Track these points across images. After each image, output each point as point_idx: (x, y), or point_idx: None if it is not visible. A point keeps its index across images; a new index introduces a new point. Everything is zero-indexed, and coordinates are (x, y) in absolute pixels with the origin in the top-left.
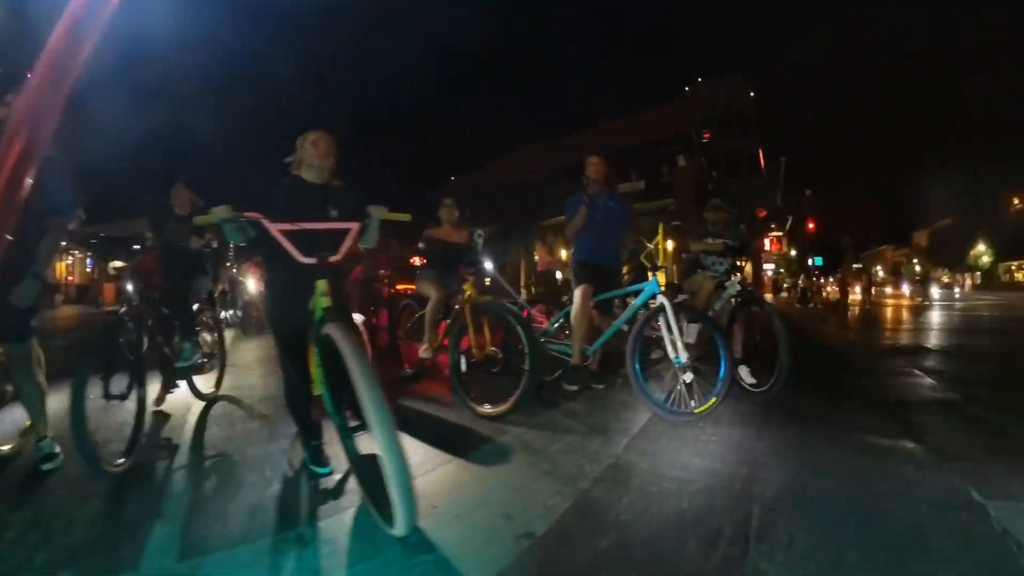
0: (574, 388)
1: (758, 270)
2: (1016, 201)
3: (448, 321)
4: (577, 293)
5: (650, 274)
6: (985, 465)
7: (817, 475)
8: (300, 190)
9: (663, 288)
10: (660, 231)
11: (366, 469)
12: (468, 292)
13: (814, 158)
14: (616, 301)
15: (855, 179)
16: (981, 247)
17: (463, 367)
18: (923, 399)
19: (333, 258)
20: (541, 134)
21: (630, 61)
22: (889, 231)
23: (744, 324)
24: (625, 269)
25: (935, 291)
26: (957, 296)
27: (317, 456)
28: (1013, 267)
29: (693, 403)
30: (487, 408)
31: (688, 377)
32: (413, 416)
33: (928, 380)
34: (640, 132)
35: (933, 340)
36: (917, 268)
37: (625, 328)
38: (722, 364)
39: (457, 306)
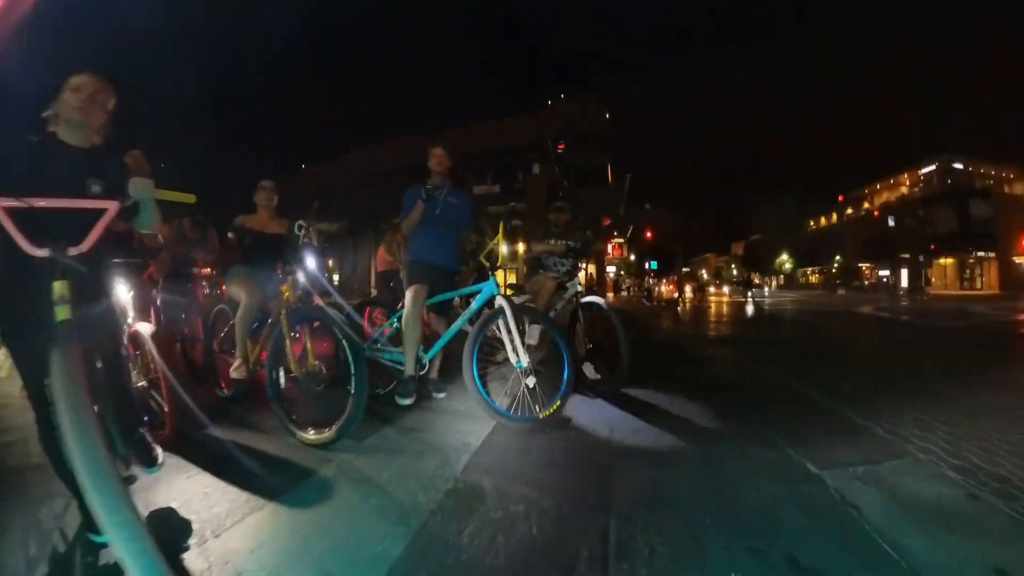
0: (408, 401)
1: (602, 272)
2: (811, 224)
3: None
4: (408, 295)
5: (497, 274)
6: (813, 438)
7: (669, 470)
8: (51, 154)
9: (503, 289)
10: (500, 229)
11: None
12: (286, 295)
13: (654, 177)
14: (459, 302)
15: (687, 197)
16: (784, 257)
17: (282, 385)
18: (752, 382)
19: (76, 249)
20: (405, 130)
21: (501, 71)
22: (712, 241)
23: (585, 323)
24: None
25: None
26: (767, 294)
27: (92, 520)
28: (808, 271)
29: (538, 408)
30: (310, 434)
31: (531, 381)
32: (223, 450)
33: (754, 365)
34: (501, 137)
35: (755, 330)
36: (735, 272)
37: (468, 329)
38: (565, 365)
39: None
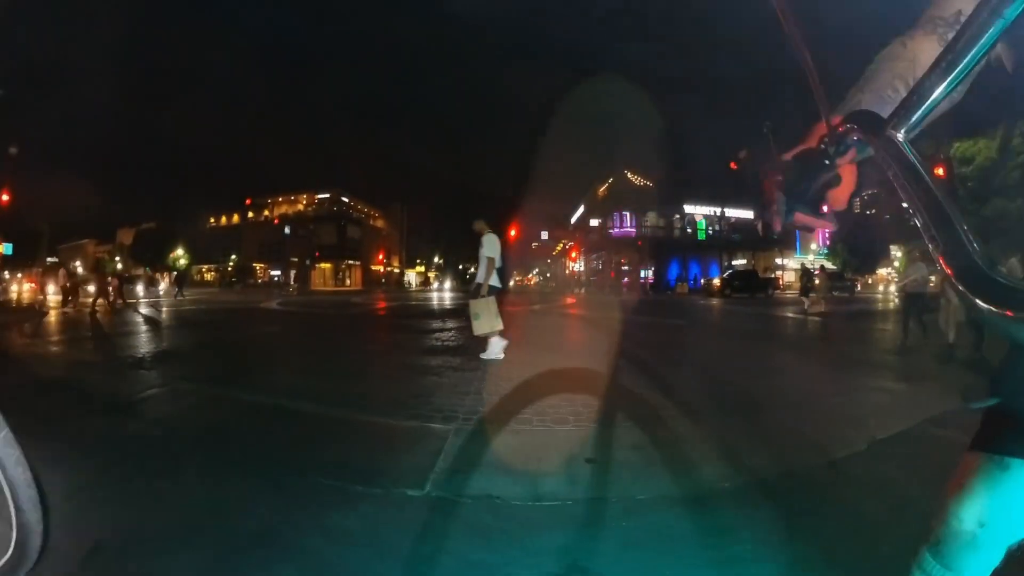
0: None
1: None
2: (212, 220)
3: None
4: None
5: None
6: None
7: None
8: None
9: None
10: None
11: None
12: None
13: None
14: None
15: (65, 161)
16: (180, 251)
17: None
18: (195, 413)
19: None
20: None
21: None
22: (93, 225)
23: None
24: None
25: (140, 289)
26: (162, 292)
27: None
28: (204, 269)
29: None
30: None
31: None
32: None
33: (205, 403)
34: None
35: (168, 342)
36: (119, 265)
37: None
38: None
39: None
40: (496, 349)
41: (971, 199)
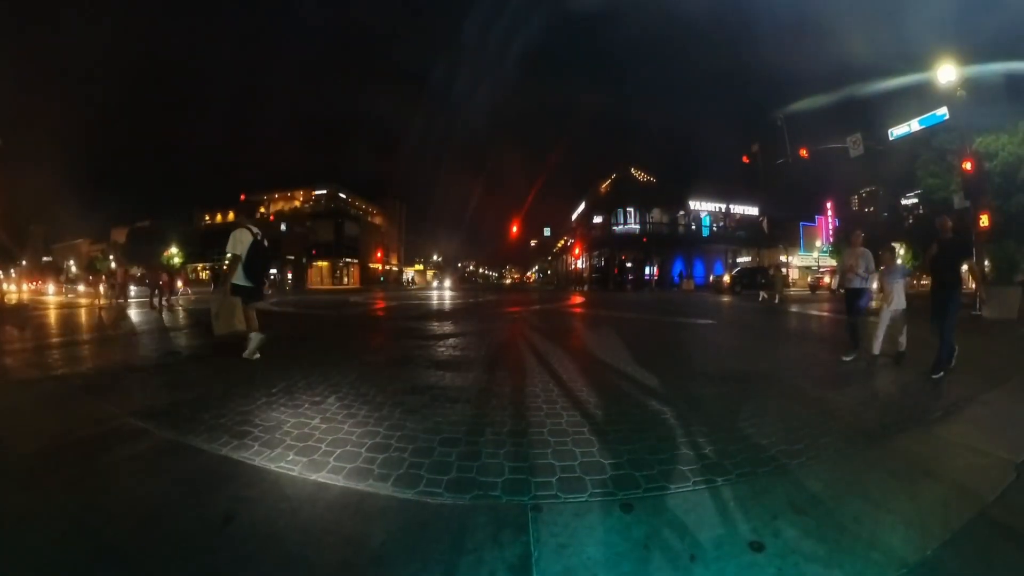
0: None
1: None
2: (207, 218)
3: None
4: None
5: None
6: None
7: None
8: None
9: None
10: None
11: None
12: None
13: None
14: None
15: (58, 159)
16: (174, 249)
17: None
18: None
19: None
20: None
21: None
22: (86, 225)
23: None
24: None
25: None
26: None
27: None
28: (199, 268)
29: None
30: None
31: None
32: None
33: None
34: None
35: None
36: (112, 265)
37: None
38: None
39: None
40: (254, 346)
41: (995, 194)
